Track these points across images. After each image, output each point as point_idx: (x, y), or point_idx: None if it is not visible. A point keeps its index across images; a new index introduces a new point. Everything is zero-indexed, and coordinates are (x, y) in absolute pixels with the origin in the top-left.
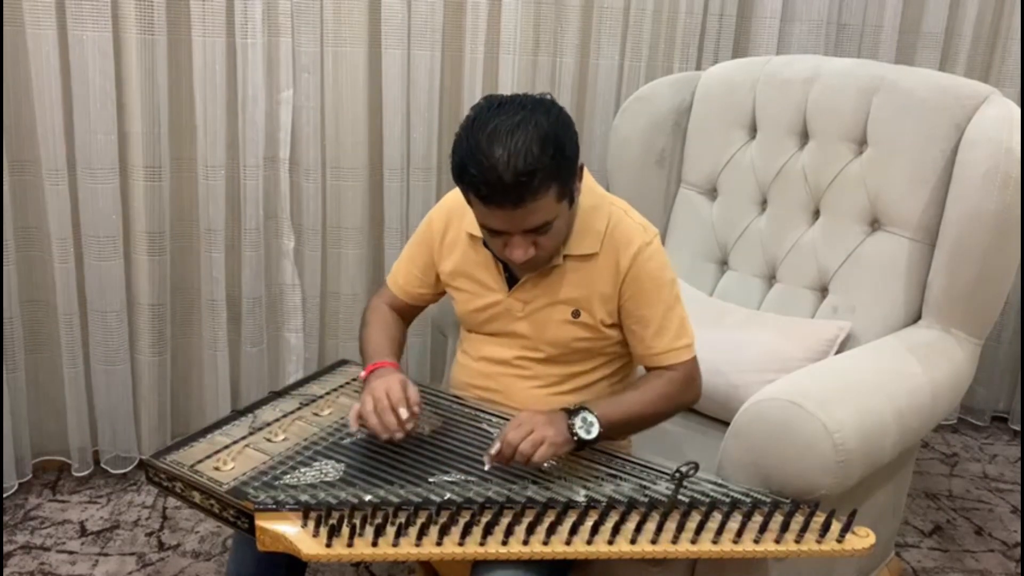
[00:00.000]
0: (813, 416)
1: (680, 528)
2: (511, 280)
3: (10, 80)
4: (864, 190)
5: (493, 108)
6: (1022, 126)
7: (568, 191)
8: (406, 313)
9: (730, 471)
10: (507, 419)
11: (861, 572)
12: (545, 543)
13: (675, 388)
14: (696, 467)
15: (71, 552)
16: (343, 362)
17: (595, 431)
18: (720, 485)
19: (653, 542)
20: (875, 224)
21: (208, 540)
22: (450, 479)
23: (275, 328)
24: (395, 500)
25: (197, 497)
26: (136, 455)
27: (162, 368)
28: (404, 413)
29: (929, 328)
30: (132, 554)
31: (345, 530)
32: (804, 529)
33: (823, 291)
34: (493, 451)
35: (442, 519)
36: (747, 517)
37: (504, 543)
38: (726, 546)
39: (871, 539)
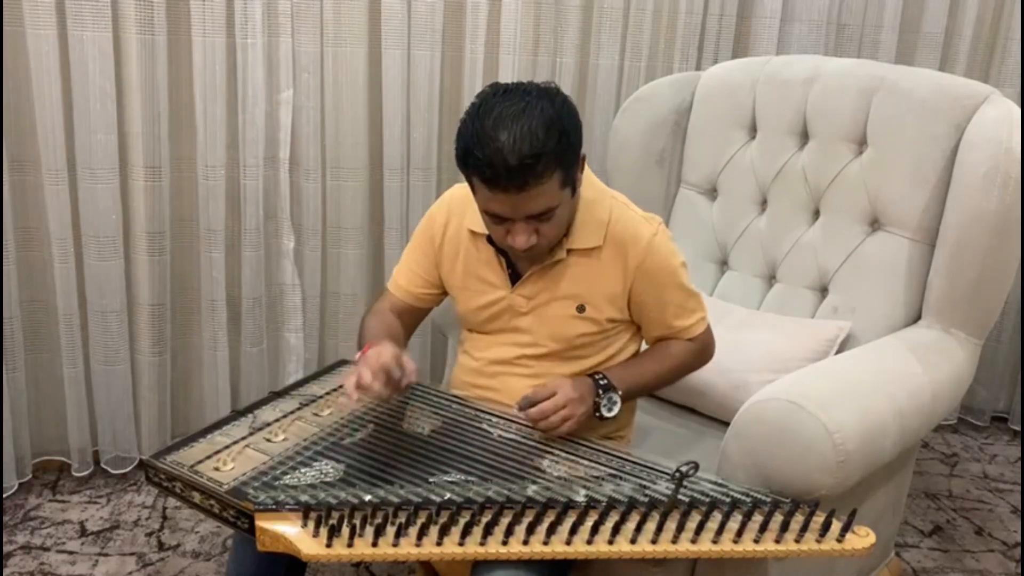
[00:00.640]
0: (813, 416)
1: (680, 528)
2: (514, 277)
3: (10, 80)
4: (864, 190)
5: (498, 95)
6: (1022, 126)
7: (571, 178)
8: (408, 318)
9: (730, 471)
10: (507, 419)
11: (861, 572)
12: (545, 543)
13: (692, 357)
14: (696, 467)
15: (71, 552)
16: (343, 362)
17: (615, 410)
18: (720, 485)
19: (653, 542)
20: (875, 224)
21: (208, 540)
22: (450, 479)
23: (275, 328)
24: (395, 500)
25: (197, 497)
26: (136, 455)
27: (162, 368)
28: (397, 373)
29: (929, 328)
30: (132, 554)
31: (345, 530)
32: (804, 529)
33: (823, 291)
34: (524, 409)
35: (442, 519)
36: (747, 517)
37: (504, 543)
38: (726, 546)
39: (871, 539)
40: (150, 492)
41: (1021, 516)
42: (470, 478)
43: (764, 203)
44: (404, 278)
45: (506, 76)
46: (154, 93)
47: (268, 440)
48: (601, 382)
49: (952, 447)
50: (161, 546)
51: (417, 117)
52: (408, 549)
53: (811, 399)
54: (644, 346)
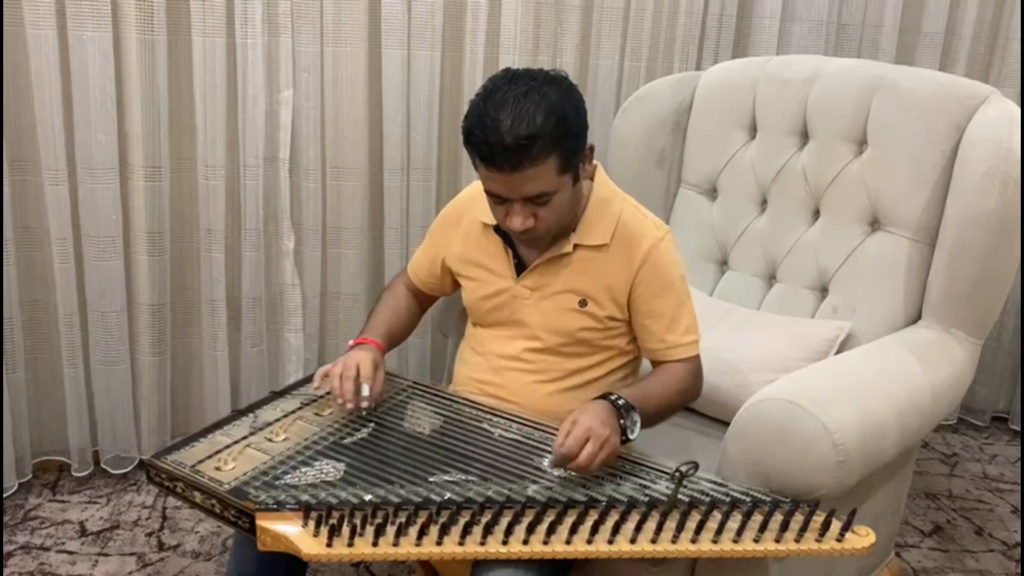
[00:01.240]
0: (813, 416)
1: (680, 527)
2: (520, 269)
3: (10, 80)
4: (864, 190)
5: (507, 79)
6: (1022, 126)
7: (572, 165)
8: (422, 297)
9: (730, 471)
10: (508, 419)
11: (861, 572)
12: (545, 543)
13: (688, 383)
14: (696, 466)
15: (71, 552)
16: None
17: (637, 430)
18: (720, 484)
19: (653, 541)
20: (875, 224)
21: (208, 540)
22: (450, 479)
23: (275, 328)
24: (395, 500)
25: (198, 497)
26: (136, 455)
27: (162, 368)
28: (366, 390)
29: (929, 328)
30: (132, 554)
31: (346, 530)
32: (804, 528)
33: (823, 291)
34: (560, 465)
35: (442, 519)
36: (747, 516)
37: (504, 543)
38: (726, 545)
39: (871, 538)
40: (150, 492)
41: (1021, 516)
42: (470, 478)
43: (764, 203)
44: (416, 263)
45: None
46: (154, 93)
47: (269, 440)
48: (619, 402)
49: (952, 447)
50: (161, 546)
51: (417, 117)
52: (408, 549)
53: (811, 399)
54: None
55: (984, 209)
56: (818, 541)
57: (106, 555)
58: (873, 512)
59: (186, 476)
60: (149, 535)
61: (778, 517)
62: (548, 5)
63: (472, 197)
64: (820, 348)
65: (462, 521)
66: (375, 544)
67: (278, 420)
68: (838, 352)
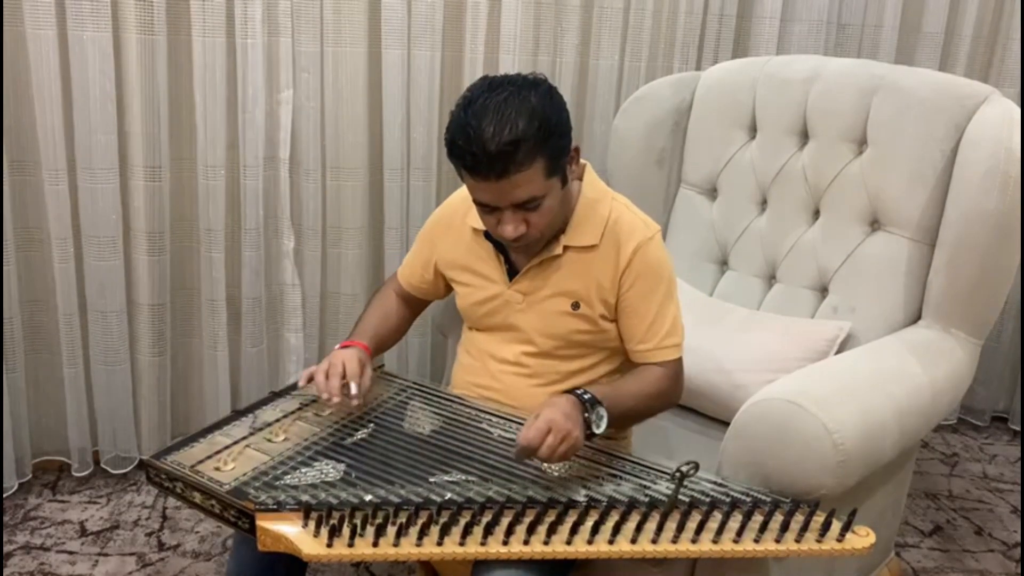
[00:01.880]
0: (813, 416)
1: (680, 528)
2: (512, 274)
3: (10, 80)
4: (864, 190)
5: (485, 87)
6: (1022, 126)
7: (558, 168)
8: (412, 303)
9: (730, 471)
10: (507, 419)
11: (861, 572)
12: (546, 543)
13: (665, 386)
14: (696, 467)
15: (71, 552)
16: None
17: (604, 425)
18: (720, 485)
19: (653, 542)
20: (875, 224)
21: (208, 540)
22: (451, 479)
23: (275, 328)
24: (396, 500)
25: (198, 497)
26: (136, 455)
27: (162, 368)
28: (353, 388)
29: (929, 328)
30: (132, 554)
31: (346, 530)
32: (804, 529)
33: (823, 291)
34: (523, 458)
35: (443, 519)
36: (747, 517)
37: (505, 543)
38: (726, 546)
39: (871, 538)
40: (150, 492)
41: (1021, 516)
42: (471, 478)
43: (764, 203)
44: (407, 268)
45: None
46: (154, 93)
47: (269, 440)
48: (585, 396)
49: (952, 447)
50: (161, 546)
51: (417, 117)
52: (409, 549)
53: (811, 399)
54: None
55: (984, 209)
56: (818, 541)
57: (106, 555)
58: (873, 512)
59: (186, 476)
60: (149, 535)
61: (778, 517)
62: (548, 5)
63: (463, 200)
64: (820, 348)
65: (463, 521)
66: (375, 544)
67: (278, 420)
68: (838, 352)
